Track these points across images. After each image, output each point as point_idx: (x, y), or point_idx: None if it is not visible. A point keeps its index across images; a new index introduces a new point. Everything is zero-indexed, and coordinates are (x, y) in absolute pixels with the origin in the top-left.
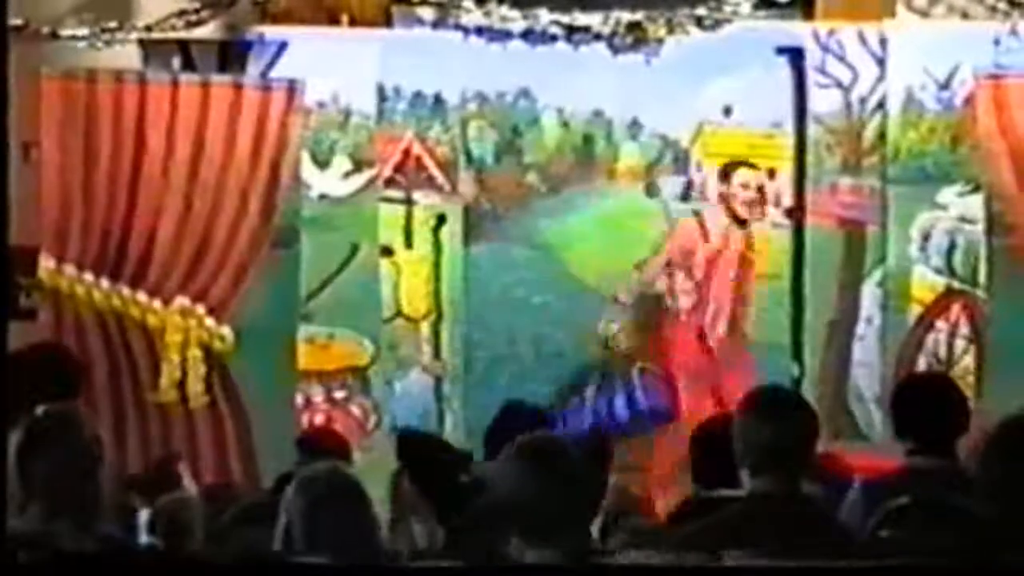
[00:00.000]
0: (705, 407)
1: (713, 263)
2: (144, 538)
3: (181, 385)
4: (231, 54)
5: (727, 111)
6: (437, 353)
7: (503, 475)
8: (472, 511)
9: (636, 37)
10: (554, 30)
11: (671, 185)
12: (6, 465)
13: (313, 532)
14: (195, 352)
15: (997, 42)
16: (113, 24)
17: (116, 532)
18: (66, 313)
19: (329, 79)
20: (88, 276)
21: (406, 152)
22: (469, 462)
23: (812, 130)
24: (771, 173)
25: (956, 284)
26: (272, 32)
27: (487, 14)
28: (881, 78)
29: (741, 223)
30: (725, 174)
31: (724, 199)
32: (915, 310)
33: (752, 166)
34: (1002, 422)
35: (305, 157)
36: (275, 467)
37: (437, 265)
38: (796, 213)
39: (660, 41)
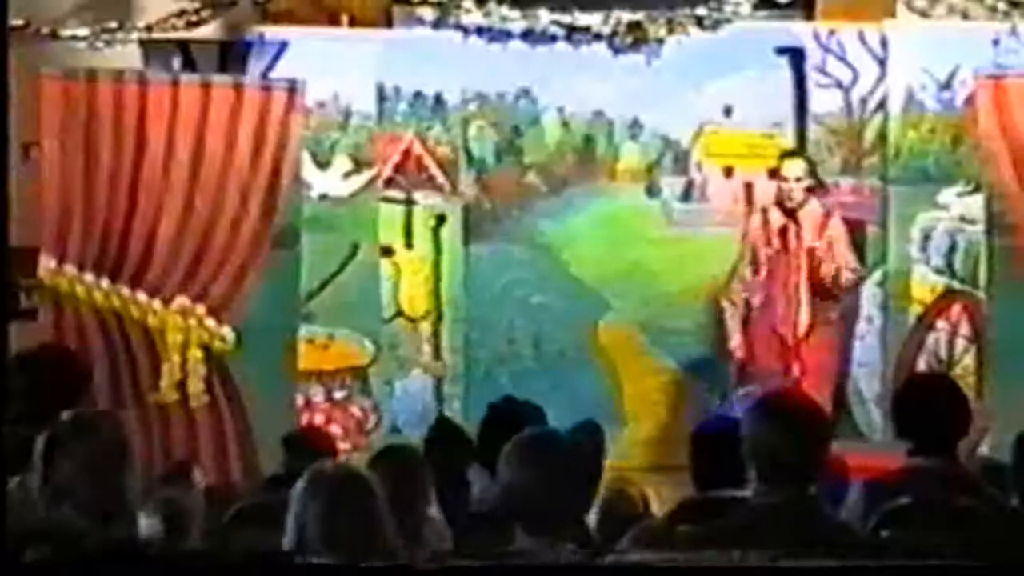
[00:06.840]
0: None
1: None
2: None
3: (181, 385)
4: (231, 54)
5: (727, 111)
6: (437, 353)
7: (502, 469)
8: (477, 506)
9: (636, 37)
10: (554, 30)
11: (672, 185)
12: (6, 466)
13: (328, 530)
14: (195, 352)
15: (997, 42)
16: (113, 24)
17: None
18: (66, 313)
19: (329, 79)
20: (88, 276)
21: (406, 152)
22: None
23: (812, 130)
24: (772, 173)
25: (956, 284)
26: (272, 32)
27: (487, 14)
28: (881, 78)
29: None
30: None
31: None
32: (915, 310)
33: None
34: None
35: (306, 157)
36: (275, 467)
37: (437, 265)
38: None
39: (660, 41)
